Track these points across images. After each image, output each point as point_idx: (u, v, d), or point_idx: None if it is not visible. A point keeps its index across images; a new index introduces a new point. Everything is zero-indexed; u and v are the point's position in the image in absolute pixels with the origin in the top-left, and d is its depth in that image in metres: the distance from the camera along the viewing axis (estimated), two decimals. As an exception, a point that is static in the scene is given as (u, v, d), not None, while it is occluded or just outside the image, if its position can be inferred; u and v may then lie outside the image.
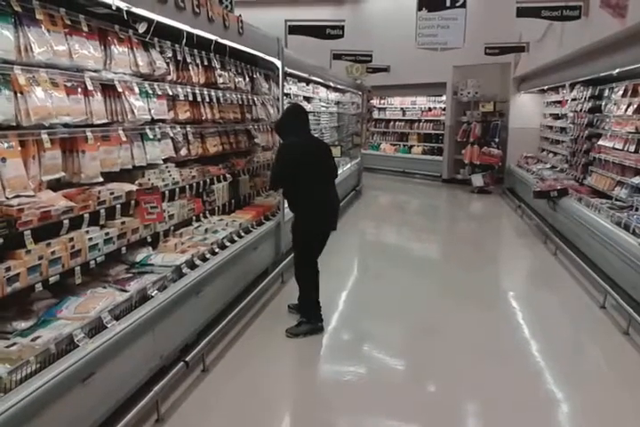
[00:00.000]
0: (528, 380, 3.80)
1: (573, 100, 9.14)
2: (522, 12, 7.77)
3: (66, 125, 2.99)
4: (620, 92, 7.18)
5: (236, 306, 4.42)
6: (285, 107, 4.79)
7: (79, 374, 2.57)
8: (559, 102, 10.59)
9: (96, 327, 2.85)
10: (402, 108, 15.98)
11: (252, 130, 5.79)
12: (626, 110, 6.87)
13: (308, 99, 8.86)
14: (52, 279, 2.83)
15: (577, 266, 6.21)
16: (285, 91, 6.76)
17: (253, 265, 5.16)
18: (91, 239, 3.12)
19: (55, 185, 3.08)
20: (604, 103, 7.94)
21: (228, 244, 4.59)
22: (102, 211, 3.25)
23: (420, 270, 6.42)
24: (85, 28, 3.12)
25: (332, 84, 10.17)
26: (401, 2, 13.43)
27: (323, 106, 9.80)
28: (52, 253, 2.81)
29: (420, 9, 8.33)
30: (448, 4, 8.12)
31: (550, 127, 11.27)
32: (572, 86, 9.12)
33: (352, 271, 5.84)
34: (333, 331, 4.67)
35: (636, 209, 5.94)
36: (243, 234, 4.96)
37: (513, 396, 3.57)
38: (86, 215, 3.10)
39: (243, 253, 4.74)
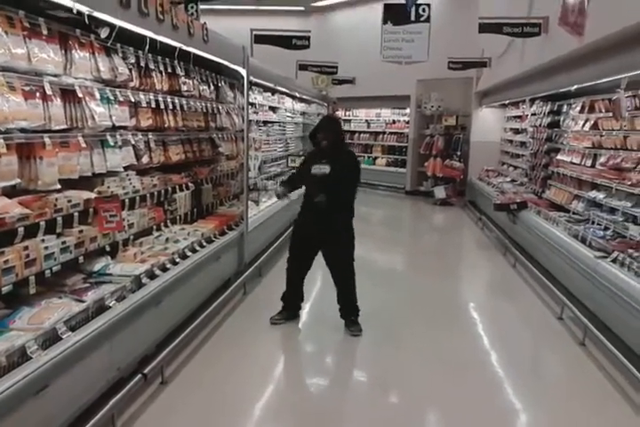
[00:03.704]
0: (486, 390, 3.82)
1: (533, 115, 9.35)
2: (484, 28, 7.92)
3: (23, 130, 2.90)
4: (578, 108, 7.37)
5: (196, 317, 4.35)
6: (330, 116, 4.95)
7: (32, 386, 2.49)
8: (519, 117, 10.81)
9: (50, 339, 2.78)
10: (366, 120, 16.12)
11: (216, 139, 5.75)
12: (583, 126, 7.06)
13: (273, 109, 8.86)
14: (4, 289, 2.74)
15: (535, 278, 6.31)
16: (251, 100, 6.75)
17: (215, 276, 5.10)
18: (46, 248, 3.03)
19: (10, 192, 2.99)
20: (562, 118, 8.14)
21: (189, 253, 4.53)
22: (59, 219, 3.17)
23: (381, 281, 6.43)
24: (45, 32, 3.05)
25: (297, 94, 10.19)
26: (366, 15, 13.62)
27: (288, 116, 9.82)
28: (6, 262, 2.72)
29: (384, 22, 8.42)
30: (412, 18, 8.23)
31: (511, 141, 11.49)
32: (532, 101, 9.33)
33: (315, 282, 5.81)
34: (297, 343, 4.65)
35: (593, 222, 6.08)
36: (205, 244, 4.91)
37: (471, 407, 3.59)
38: (42, 223, 3.01)
39: (204, 264, 4.68)
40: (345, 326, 4.72)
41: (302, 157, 5.56)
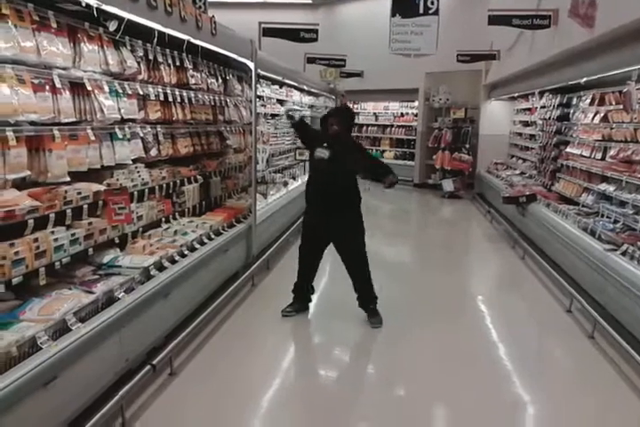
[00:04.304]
0: (495, 383, 3.82)
1: (542, 107, 9.29)
2: (493, 20, 7.88)
3: (32, 123, 2.92)
4: (588, 101, 7.32)
5: (205, 309, 4.37)
6: (343, 107, 5.27)
7: (41, 377, 2.51)
8: (528, 110, 10.74)
9: (60, 330, 2.80)
10: (375, 113, 16.05)
11: (225, 131, 5.76)
12: (593, 119, 7.01)
13: (281, 102, 8.84)
14: (15, 280, 2.76)
15: (544, 270, 6.29)
16: (259, 93, 6.74)
17: (223, 268, 5.12)
18: (56, 240, 3.05)
19: (20, 184, 3.01)
20: (572, 111, 8.08)
21: (197, 246, 4.55)
22: (69, 211, 3.19)
23: (390, 274, 6.42)
24: (54, 25, 3.06)
25: (305, 87, 10.17)
26: (375, 8, 13.53)
27: (296, 109, 9.79)
28: (16, 253, 2.75)
29: (393, 15, 8.36)
30: (421, 10, 8.17)
31: (520, 134, 11.43)
32: (542, 94, 9.27)
33: (324, 272, 5.82)
34: (304, 334, 4.66)
35: (602, 215, 6.05)
36: (213, 236, 4.92)
37: (480, 399, 3.59)
38: (52, 215, 3.04)
39: (212, 256, 4.70)
40: (367, 317, 4.74)
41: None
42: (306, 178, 9.53)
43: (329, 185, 4.57)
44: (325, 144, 4.60)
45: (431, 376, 3.91)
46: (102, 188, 3.51)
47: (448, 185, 12.48)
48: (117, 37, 3.65)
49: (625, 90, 5.38)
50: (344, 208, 4.64)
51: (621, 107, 5.91)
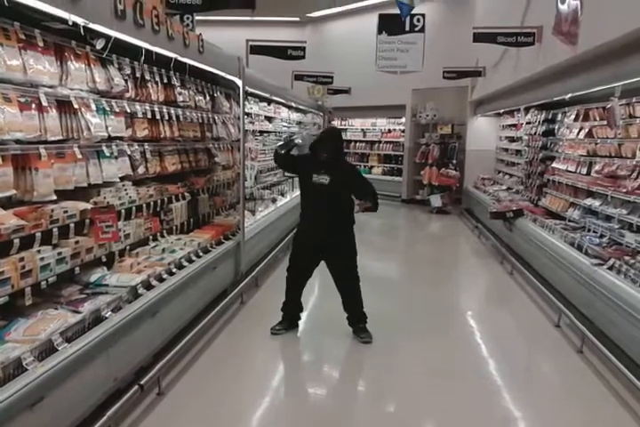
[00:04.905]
0: (484, 399, 3.81)
1: (528, 123, 9.39)
2: (478, 38, 7.98)
3: (18, 142, 2.91)
4: (573, 117, 7.41)
5: (193, 328, 4.33)
6: (332, 130, 5.24)
7: (28, 399, 2.47)
8: (514, 126, 10.86)
9: (46, 350, 2.76)
10: (362, 130, 16.17)
11: (213, 149, 5.76)
12: (578, 134, 7.09)
13: (269, 118, 8.87)
14: (0, 300, 2.73)
15: (532, 285, 6.31)
16: (246, 110, 6.76)
17: (212, 286, 5.08)
18: (42, 259, 3.02)
19: (6, 203, 2.98)
20: (557, 127, 8.17)
21: (185, 264, 4.53)
22: (55, 230, 3.16)
23: (379, 290, 6.40)
24: (41, 43, 3.06)
25: (293, 104, 10.22)
26: (361, 25, 13.69)
27: (284, 126, 9.84)
28: (1, 273, 2.72)
29: (379, 32, 8.47)
30: (407, 28, 8.27)
31: (506, 150, 11.53)
32: (527, 110, 9.37)
33: (312, 289, 5.80)
34: (294, 352, 4.62)
35: (588, 230, 6.09)
36: (201, 254, 4.90)
37: (470, 414, 3.58)
38: (38, 234, 3.01)
39: (201, 274, 4.67)
40: (354, 333, 4.74)
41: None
42: (294, 195, 9.62)
43: (329, 208, 4.57)
44: (323, 170, 4.58)
45: (421, 392, 3.89)
46: (89, 206, 3.49)
47: (436, 200, 12.55)
48: (104, 55, 3.66)
49: (608, 106, 5.46)
50: (341, 228, 4.67)
51: (605, 122, 5.99)
